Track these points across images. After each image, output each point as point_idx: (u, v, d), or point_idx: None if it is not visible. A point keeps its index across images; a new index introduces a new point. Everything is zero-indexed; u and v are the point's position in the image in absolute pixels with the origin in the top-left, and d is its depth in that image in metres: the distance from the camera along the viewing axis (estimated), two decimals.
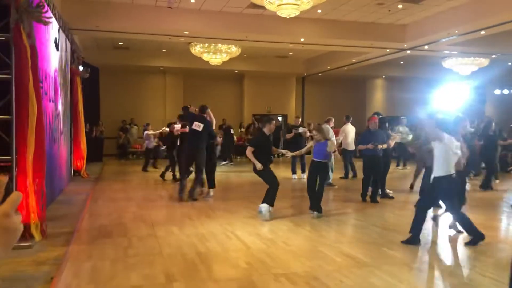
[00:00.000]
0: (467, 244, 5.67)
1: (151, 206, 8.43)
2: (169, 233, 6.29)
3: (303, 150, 8.42)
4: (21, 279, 4.40)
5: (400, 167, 15.48)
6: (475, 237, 5.68)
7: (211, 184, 9.37)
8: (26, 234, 5.63)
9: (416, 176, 10.16)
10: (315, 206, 7.42)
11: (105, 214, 7.68)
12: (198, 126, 8.81)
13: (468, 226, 5.75)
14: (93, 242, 5.89)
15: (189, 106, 10.37)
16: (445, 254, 5.40)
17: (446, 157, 5.57)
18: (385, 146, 8.94)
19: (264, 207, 7.19)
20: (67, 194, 9.76)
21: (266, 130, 7.53)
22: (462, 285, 4.33)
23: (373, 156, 8.73)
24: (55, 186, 8.93)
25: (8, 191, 0.92)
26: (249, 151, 7.40)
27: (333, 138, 11.41)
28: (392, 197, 9.30)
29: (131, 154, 19.59)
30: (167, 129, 12.29)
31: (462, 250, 5.66)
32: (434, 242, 6.07)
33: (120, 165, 17.02)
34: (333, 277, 4.51)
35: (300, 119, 13.89)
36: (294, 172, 12.70)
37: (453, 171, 5.60)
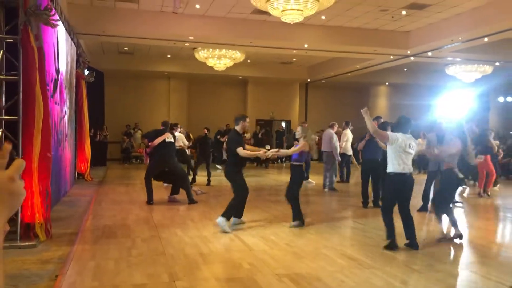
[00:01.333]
0: (385, 247, 5.60)
1: (155, 208, 8.48)
2: (172, 235, 6.33)
3: (290, 150, 7.29)
4: (26, 277, 4.45)
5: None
6: (391, 244, 5.58)
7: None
8: (31, 234, 5.69)
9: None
10: (293, 214, 6.91)
11: (108, 215, 7.73)
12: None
13: (389, 229, 5.67)
14: (97, 242, 5.94)
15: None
16: (447, 256, 5.41)
17: (396, 155, 5.55)
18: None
19: (221, 221, 6.48)
20: (71, 196, 9.83)
21: (239, 128, 6.85)
22: (464, 287, 4.34)
23: (372, 160, 8.75)
24: (60, 188, 9.00)
25: (12, 158, 0.97)
26: (240, 151, 6.62)
27: (337, 143, 11.47)
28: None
29: (134, 158, 19.66)
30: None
31: (464, 252, 5.67)
32: (436, 244, 6.08)
33: (123, 169, 17.09)
34: (335, 278, 4.53)
35: (307, 125, 13.93)
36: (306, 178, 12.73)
37: (406, 170, 5.55)
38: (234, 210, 6.72)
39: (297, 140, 8.78)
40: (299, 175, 7.03)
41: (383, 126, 9.97)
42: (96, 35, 12.76)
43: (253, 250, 5.60)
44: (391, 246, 5.59)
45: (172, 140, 9.13)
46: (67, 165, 10.25)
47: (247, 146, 7.19)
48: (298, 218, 6.88)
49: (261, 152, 6.91)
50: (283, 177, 14.68)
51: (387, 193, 5.85)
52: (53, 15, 6.03)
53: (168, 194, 9.36)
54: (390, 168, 5.64)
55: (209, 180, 11.89)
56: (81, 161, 12.43)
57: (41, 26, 6.25)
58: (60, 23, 8.81)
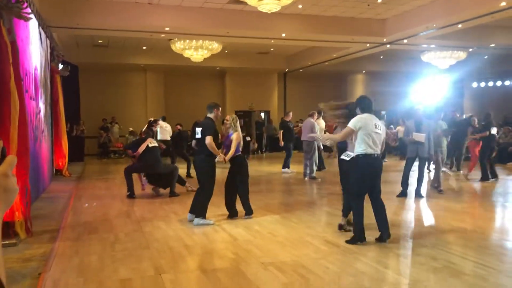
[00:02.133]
0: (347, 242, 5.31)
1: (136, 202, 8.41)
2: (155, 228, 6.30)
3: (231, 150, 6.76)
4: (9, 276, 4.33)
5: (385, 160, 15.66)
6: (355, 237, 5.29)
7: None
8: (11, 232, 5.58)
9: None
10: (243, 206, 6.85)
11: (89, 211, 7.64)
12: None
13: (359, 220, 5.33)
14: (79, 238, 5.87)
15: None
16: (429, 241, 5.53)
17: (364, 137, 5.27)
18: None
19: (197, 221, 6.37)
20: (49, 192, 9.66)
21: (212, 116, 6.62)
22: (445, 268, 4.45)
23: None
24: (38, 185, 8.83)
25: (3, 155, 0.97)
26: (209, 139, 6.35)
27: (318, 132, 11.52)
28: None
29: (112, 153, 19.42)
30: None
31: (445, 237, 5.80)
32: (418, 230, 6.21)
33: (102, 164, 16.87)
34: (320, 264, 4.59)
35: (291, 114, 13.97)
36: (287, 166, 12.81)
37: (375, 151, 5.30)
38: (206, 205, 6.48)
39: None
40: (241, 167, 6.87)
41: (353, 106, 10.09)
42: (70, 28, 12.48)
43: (237, 240, 5.63)
44: (358, 239, 5.27)
45: (155, 144, 9.13)
46: (45, 161, 10.06)
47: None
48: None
49: (220, 156, 6.55)
50: (264, 168, 14.73)
51: (355, 178, 5.35)
52: (25, 8, 5.87)
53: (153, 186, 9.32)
54: (358, 150, 5.28)
55: (188, 172, 11.69)
56: (59, 157, 12.22)
57: (14, 20, 6.08)
58: (32, 16, 8.58)
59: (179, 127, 12.59)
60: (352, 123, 5.36)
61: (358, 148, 5.31)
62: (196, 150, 6.77)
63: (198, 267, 4.62)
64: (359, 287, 3.95)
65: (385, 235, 5.34)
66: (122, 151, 19.30)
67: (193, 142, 6.94)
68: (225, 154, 6.71)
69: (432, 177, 9.46)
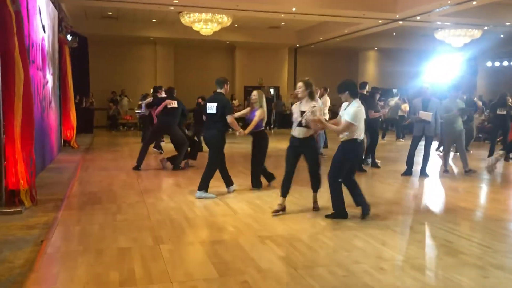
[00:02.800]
0: (327, 216, 5.44)
1: (141, 175, 8.50)
2: (158, 200, 6.38)
3: (252, 124, 6.92)
4: (11, 242, 4.48)
5: (401, 140, 15.53)
6: (336, 214, 5.41)
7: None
8: (16, 200, 5.70)
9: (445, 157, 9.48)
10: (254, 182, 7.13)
11: (95, 181, 7.75)
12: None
13: (340, 198, 5.43)
14: (83, 208, 5.97)
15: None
16: (429, 220, 5.53)
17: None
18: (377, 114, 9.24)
19: (200, 194, 6.51)
20: (57, 163, 9.80)
21: (223, 91, 6.70)
22: (441, 246, 4.47)
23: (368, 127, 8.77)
24: (45, 155, 8.95)
25: None
26: (231, 118, 6.52)
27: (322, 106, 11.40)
28: (379, 167, 9.45)
29: (121, 125, 19.55)
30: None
31: (445, 216, 5.80)
32: (417, 208, 6.22)
33: (110, 136, 17.00)
34: (317, 239, 4.63)
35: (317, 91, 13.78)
36: None
37: (362, 136, 5.39)
38: (209, 179, 6.58)
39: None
40: (261, 141, 7.06)
41: (372, 92, 10.04)
42: None
43: (238, 213, 5.68)
44: (341, 214, 5.40)
45: (174, 105, 9.01)
46: (52, 132, 10.17)
47: (236, 113, 7.23)
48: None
49: (240, 131, 6.62)
50: (272, 144, 14.70)
51: (348, 160, 5.38)
52: None
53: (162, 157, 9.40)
54: (355, 135, 5.27)
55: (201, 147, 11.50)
56: (67, 128, 12.33)
57: None
58: None
59: (200, 100, 11.90)
60: (353, 117, 5.20)
61: (355, 133, 5.28)
62: (207, 124, 6.79)
63: (196, 239, 4.68)
64: (352, 262, 3.98)
65: (365, 210, 5.43)
66: (131, 124, 19.43)
67: (203, 116, 7.01)
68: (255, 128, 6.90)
69: (443, 159, 9.05)
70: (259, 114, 6.89)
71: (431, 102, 8.36)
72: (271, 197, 6.59)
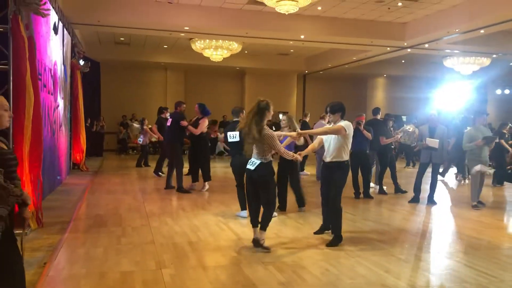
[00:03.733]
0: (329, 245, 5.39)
1: (148, 198, 8.53)
2: (162, 224, 6.39)
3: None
4: None
5: (410, 167, 15.40)
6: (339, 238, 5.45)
7: (206, 178, 9.47)
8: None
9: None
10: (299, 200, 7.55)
11: (102, 205, 7.79)
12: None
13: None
14: (88, 230, 6.00)
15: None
16: (435, 248, 5.47)
17: (348, 142, 5.49)
18: (389, 140, 9.35)
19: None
20: (65, 186, 9.88)
21: (240, 119, 6.94)
22: (447, 275, 4.40)
23: (359, 151, 8.77)
24: (54, 178, 9.04)
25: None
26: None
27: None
28: (386, 193, 9.40)
29: (131, 149, 19.70)
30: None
31: (452, 244, 5.73)
32: (423, 236, 6.14)
33: (120, 160, 17.13)
34: (320, 266, 4.59)
35: (309, 115, 13.91)
36: (302, 169, 12.66)
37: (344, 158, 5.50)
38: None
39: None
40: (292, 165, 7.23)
41: (385, 119, 10.11)
42: (91, 25, 12.72)
43: (242, 239, 5.66)
44: (340, 239, 5.46)
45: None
46: (62, 155, 10.29)
47: None
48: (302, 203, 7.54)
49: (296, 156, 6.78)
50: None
51: (343, 183, 5.50)
52: (44, 4, 6.02)
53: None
54: (345, 157, 5.46)
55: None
56: (76, 151, 12.46)
57: (32, 15, 6.26)
58: (53, 12, 8.81)
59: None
60: (346, 124, 5.43)
61: (345, 154, 5.46)
62: (233, 152, 6.95)
63: (199, 264, 4.67)
64: None
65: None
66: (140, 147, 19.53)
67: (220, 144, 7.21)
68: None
69: (471, 192, 8.30)
70: (288, 139, 6.67)
71: (438, 129, 8.34)
72: (275, 223, 6.55)
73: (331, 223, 5.62)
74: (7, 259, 2.76)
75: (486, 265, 4.72)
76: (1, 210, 2.58)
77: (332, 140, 5.50)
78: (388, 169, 9.69)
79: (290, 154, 5.46)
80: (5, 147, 2.82)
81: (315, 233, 5.91)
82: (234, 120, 7.03)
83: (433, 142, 8.19)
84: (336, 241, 5.40)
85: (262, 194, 5.19)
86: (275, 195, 5.48)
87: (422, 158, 8.50)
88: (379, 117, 10.01)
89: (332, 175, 5.50)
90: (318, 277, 4.27)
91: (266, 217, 5.18)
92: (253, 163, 5.22)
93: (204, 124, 9.54)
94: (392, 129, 9.85)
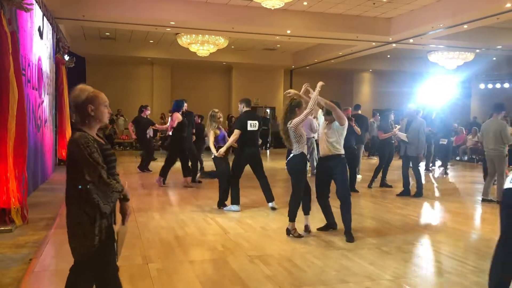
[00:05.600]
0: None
1: (134, 194, 8.51)
2: (149, 219, 6.40)
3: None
4: (0, 261, 4.48)
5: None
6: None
7: (185, 173, 9.47)
8: (6, 219, 5.70)
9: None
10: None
11: None
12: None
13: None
14: None
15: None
16: (418, 240, 5.57)
17: (343, 135, 5.74)
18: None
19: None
20: (51, 182, 9.80)
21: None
22: (429, 266, 4.49)
23: (346, 147, 8.82)
24: (39, 174, 8.97)
25: None
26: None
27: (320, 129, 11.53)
28: (390, 186, 9.49)
29: (117, 145, 19.59)
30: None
31: (435, 236, 5.83)
32: (410, 228, 6.24)
33: None
34: (306, 259, 4.65)
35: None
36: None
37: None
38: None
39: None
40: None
41: (385, 114, 10.18)
42: (76, 19, 12.60)
43: (228, 233, 5.70)
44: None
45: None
46: (47, 151, 10.20)
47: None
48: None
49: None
50: (268, 163, 14.75)
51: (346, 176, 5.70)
52: None
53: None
54: (342, 150, 5.70)
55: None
56: (62, 147, 12.35)
57: (15, 10, 6.19)
58: (37, 6, 8.71)
59: (197, 118, 11.65)
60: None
61: (342, 147, 5.66)
62: (251, 142, 7.00)
63: (185, 258, 4.69)
64: (340, 282, 4.00)
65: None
66: (127, 143, 19.45)
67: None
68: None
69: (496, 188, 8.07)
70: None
71: (414, 122, 8.47)
72: (262, 217, 6.63)
73: (344, 217, 5.49)
74: (109, 256, 2.76)
75: (467, 256, 4.82)
76: (105, 207, 2.59)
77: (331, 133, 5.56)
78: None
79: None
80: (103, 142, 2.73)
81: (319, 229, 5.80)
82: (247, 110, 7.12)
83: (402, 136, 8.38)
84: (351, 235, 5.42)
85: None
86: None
87: (400, 151, 8.66)
88: (360, 112, 10.16)
89: (333, 168, 5.56)
90: (304, 270, 4.33)
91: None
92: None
93: (174, 119, 9.46)
94: (392, 123, 9.86)
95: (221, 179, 7.13)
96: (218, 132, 7.25)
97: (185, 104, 10.13)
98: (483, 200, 8.02)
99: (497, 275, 3.24)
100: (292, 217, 5.48)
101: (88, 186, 2.54)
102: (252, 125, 6.95)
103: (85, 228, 2.60)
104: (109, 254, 2.76)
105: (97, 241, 2.62)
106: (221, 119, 7.45)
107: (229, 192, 7.04)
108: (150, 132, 13.43)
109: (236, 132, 6.96)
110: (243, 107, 7.16)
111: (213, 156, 7.08)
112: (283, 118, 5.51)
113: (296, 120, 5.39)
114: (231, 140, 7.02)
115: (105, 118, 2.77)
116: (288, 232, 5.50)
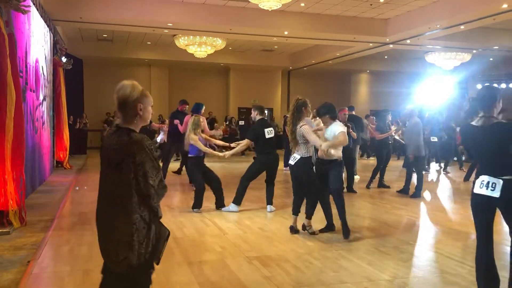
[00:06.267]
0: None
1: None
2: None
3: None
4: None
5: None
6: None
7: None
8: (4, 221, 5.70)
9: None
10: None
11: (86, 202, 7.73)
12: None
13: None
14: (72, 228, 5.97)
15: None
16: (416, 240, 5.58)
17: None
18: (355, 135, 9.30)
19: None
20: (49, 184, 9.79)
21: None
22: (427, 266, 4.51)
23: (344, 147, 8.85)
24: (37, 176, 8.96)
25: None
26: None
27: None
28: (388, 187, 9.51)
29: None
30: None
31: (433, 236, 5.85)
32: (404, 228, 6.26)
33: None
34: (304, 259, 4.66)
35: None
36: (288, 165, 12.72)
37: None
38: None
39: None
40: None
41: (383, 114, 10.22)
42: (73, 21, 12.61)
43: (227, 234, 5.71)
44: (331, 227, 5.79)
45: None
46: (45, 153, 10.19)
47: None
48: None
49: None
50: None
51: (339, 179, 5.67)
52: (24, 0, 5.96)
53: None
54: (340, 153, 5.67)
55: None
56: (60, 149, 12.35)
57: (12, 12, 6.19)
58: (34, 9, 8.71)
59: None
60: (343, 128, 5.58)
61: (340, 151, 5.64)
62: (268, 149, 6.98)
63: (184, 259, 4.70)
64: (338, 282, 4.01)
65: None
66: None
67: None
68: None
69: None
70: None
71: (410, 122, 8.54)
72: (261, 218, 6.64)
73: (339, 212, 5.58)
74: (152, 264, 2.60)
75: (465, 256, 4.83)
76: (160, 210, 2.48)
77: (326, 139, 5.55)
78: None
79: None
80: None
81: (321, 231, 5.75)
82: (261, 117, 7.08)
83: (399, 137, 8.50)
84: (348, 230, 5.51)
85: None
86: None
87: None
88: (354, 113, 10.22)
89: (329, 171, 5.57)
90: (302, 270, 4.34)
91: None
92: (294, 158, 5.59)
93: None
94: (390, 123, 9.86)
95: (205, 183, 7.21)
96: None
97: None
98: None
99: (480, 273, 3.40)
100: (308, 215, 5.63)
101: (151, 191, 2.40)
102: (269, 132, 6.96)
103: (141, 235, 2.42)
104: (152, 262, 2.57)
105: (151, 248, 2.48)
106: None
107: (222, 192, 7.20)
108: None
109: (247, 142, 6.97)
110: (257, 115, 7.09)
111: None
112: (291, 118, 5.55)
113: (306, 132, 5.41)
114: (239, 148, 7.01)
115: (149, 118, 2.63)
116: (304, 227, 5.66)
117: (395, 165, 13.62)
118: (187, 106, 10.21)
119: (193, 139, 6.95)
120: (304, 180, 5.55)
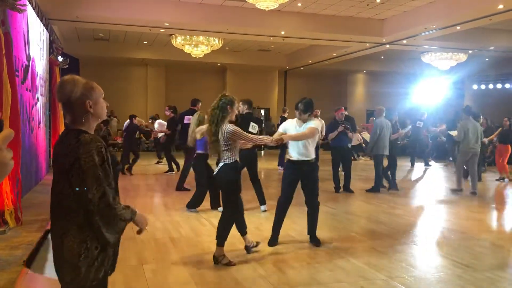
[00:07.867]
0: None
1: (129, 195, 8.50)
2: None
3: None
4: None
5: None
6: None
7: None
8: (0, 220, 5.68)
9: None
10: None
11: None
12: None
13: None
14: None
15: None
16: (412, 240, 5.60)
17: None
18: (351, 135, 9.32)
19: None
20: (45, 184, 9.74)
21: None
22: (423, 266, 4.52)
23: (340, 147, 8.94)
24: (33, 175, 8.93)
25: (0, 128, 0.92)
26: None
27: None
28: (397, 189, 9.28)
29: (111, 146, 19.50)
30: None
31: (427, 234, 5.87)
32: (400, 228, 6.28)
33: None
34: (301, 259, 4.67)
35: (287, 111, 13.84)
36: (282, 164, 12.76)
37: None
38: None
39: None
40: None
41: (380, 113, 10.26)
42: (70, 20, 12.57)
43: None
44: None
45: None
46: (41, 153, 10.15)
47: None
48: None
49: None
50: (261, 164, 14.77)
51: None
52: None
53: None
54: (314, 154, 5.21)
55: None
56: None
57: (8, 11, 6.17)
58: (30, 8, 8.68)
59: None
60: (318, 127, 5.06)
61: (314, 151, 5.20)
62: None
63: (180, 259, 4.70)
64: (334, 281, 4.02)
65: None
66: (121, 144, 19.37)
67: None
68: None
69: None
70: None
71: (375, 121, 8.91)
72: (256, 217, 6.65)
73: (314, 221, 5.27)
74: None
75: (460, 256, 4.85)
76: (109, 236, 2.14)
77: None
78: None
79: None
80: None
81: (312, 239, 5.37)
82: (248, 111, 7.07)
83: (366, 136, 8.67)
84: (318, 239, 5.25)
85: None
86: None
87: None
88: (347, 113, 10.29)
89: (309, 174, 5.19)
90: (298, 270, 4.35)
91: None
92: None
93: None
94: (397, 124, 9.80)
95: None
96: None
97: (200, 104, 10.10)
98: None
99: None
100: (220, 241, 4.63)
101: (89, 206, 2.03)
102: (253, 127, 6.89)
103: (91, 256, 2.08)
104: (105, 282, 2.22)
105: (103, 274, 2.14)
106: None
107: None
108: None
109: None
110: (246, 109, 7.06)
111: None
112: (212, 117, 4.55)
113: (238, 134, 4.51)
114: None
115: (105, 113, 2.29)
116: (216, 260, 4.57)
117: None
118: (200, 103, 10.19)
119: (200, 130, 6.79)
120: (229, 189, 4.67)
